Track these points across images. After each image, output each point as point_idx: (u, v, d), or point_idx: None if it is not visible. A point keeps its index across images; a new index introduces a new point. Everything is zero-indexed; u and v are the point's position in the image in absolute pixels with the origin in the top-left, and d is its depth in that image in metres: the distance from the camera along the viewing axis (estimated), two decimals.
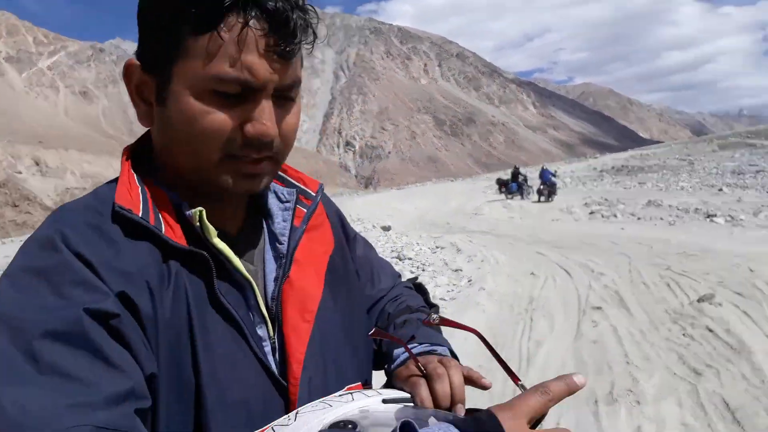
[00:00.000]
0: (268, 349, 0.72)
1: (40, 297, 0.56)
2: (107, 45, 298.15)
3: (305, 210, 0.82)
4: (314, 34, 0.71)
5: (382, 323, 0.90)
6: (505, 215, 14.60)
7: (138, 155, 0.76)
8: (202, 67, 0.63)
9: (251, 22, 0.62)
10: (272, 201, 0.82)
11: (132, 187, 0.69)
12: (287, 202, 0.82)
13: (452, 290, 6.45)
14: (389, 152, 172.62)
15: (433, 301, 1.01)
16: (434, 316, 0.76)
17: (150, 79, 0.68)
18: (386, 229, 13.69)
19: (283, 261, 0.77)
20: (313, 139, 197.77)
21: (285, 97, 0.69)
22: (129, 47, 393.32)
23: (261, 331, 0.72)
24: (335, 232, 0.88)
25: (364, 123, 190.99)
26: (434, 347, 0.81)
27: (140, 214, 0.65)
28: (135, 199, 0.67)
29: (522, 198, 19.17)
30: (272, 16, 0.63)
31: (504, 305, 5.47)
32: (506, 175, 22.77)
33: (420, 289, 1.04)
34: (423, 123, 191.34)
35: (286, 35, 0.65)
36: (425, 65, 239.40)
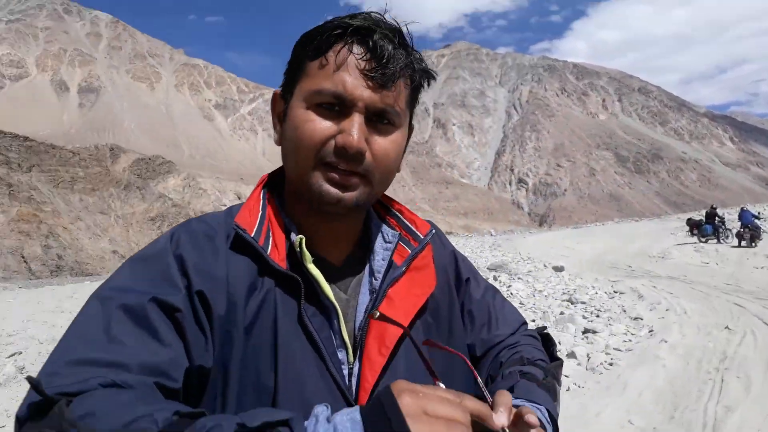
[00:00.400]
0: (345, 372, 0.77)
1: (135, 279, 0.71)
2: None
3: (409, 251, 0.87)
4: (423, 73, 0.83)
5: (494, 371, 0.89)
6: (698, 260, 13.07)
7: (274, 181, 0.88)
8: (310, 84, 0.76)
9: (353, 48, 0.75)
10: (378, 240, 0.88)
11: (254, 209, 0.82)
12: (389, 242, 0.88)
13: (629, 340, 5.89)
14: (565, 189, 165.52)
15: (569, 352, 1.01)
16: (377, 312, 0.74)
17: (283, 102, 0.83)
18: (558, 269, 13.06)
19: (375, 296, 0.82)
20: (485, 176, 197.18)
21: (382, 120, 0.78)
22: None
23: (341, 355, 0.78)
24: (441, 274, 0.91)
25: (538, 160, 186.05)
26: (530, 404, 0.77)
27: (252, 234, 0.77)
28: (252, 220, 0.79)
29: (718, 242, 17.05)
30: (370, 46, 0.75)
31: (690, 361, 4.83)
32: (699, 215, 20.50)
33: (546, 339, 0.96)
34: (603, 159, 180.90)
35: (381, 63, 0.75)
36: (603, 100, 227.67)
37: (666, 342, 5.38)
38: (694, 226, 18.31)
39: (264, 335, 0.73)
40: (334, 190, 0.77)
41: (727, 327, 5.73)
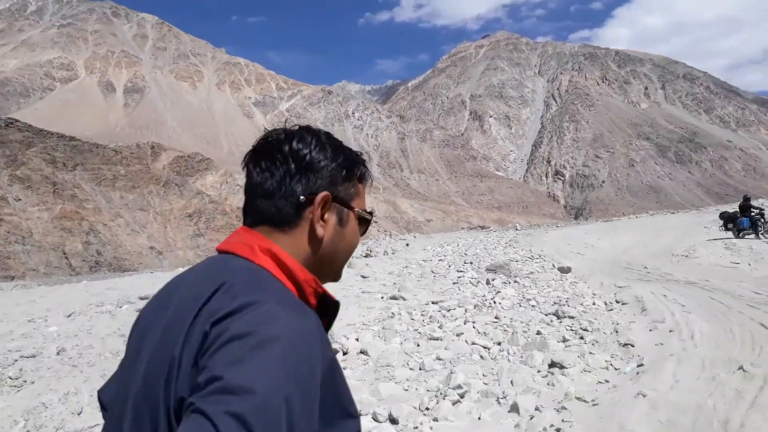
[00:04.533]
0: None
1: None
2: (335, 87, 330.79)
3: None
4: None
5: None
6: (727, 260, 11.10)
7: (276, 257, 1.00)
8: (361, 203, 1.09)
9: (368, 181, 1.14)
10: None
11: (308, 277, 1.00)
12: None
13: (604, 381, 4.35)
14: (603, 181, 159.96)
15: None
16: None
17: (334, 206, 1.05)
18: (564, 270, 11.43)
19: None
20: (520, 168, 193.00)
21: None
22: (353, 88, 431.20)
23: None
24: None
25: (576, 151, 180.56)
26: None
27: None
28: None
29: (757, 237, 14.87)
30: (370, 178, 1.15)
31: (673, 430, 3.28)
32: (733, 208, 18.10)
33: None
34: (643, 149, 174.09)
35: None
36: (646, 88, 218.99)
37: (644, 397, 3.76)
38: (727, 220, 16.05)
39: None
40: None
41: (741, 368, 4.06)
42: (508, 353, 5.41)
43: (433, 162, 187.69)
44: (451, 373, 4.54)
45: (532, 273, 11.44)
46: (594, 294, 8.39)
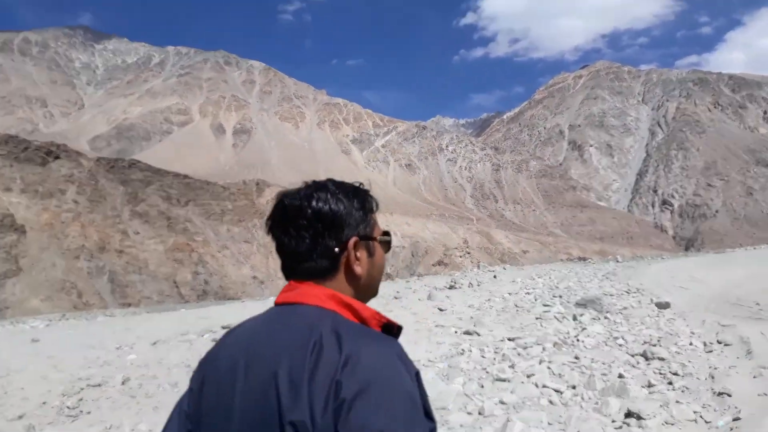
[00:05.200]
0: None
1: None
2: (429, 123, 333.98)
3: None
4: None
5: None
6: None
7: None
8: (378, 231, 1.24)
9: (378, 208, 1.26)
10: None
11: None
12: None
13: None
14: (716, 211, 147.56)
15: None
16: None
17: (361, 244, 1.18)
18: (662, 306, 10.41)
19: None
20: (624, 198, 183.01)
21: None
22: (447, 123, 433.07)
23: None
24: None
25: (685, 180, 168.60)
26: None
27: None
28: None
29: None
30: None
31: None
32: None
33: None
34: (763, 177, 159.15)
35: None
36: (765, 112, 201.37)
37: None
38: None
39: None
40: None
41: None
42: (582, 399, 4.85)
43: (530, 192, 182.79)
44: (508, 421, 4.07)
45: (625, 308, 10.53)
46: (692, 333, 7.49)
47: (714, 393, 4.63)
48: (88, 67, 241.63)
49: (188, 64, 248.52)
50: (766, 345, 6.21)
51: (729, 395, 4.49)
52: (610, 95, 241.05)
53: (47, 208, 50.59)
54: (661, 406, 4.28)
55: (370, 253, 1.21)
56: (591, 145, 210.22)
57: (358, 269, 1.16)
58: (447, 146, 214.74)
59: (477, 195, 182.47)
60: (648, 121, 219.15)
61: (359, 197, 1.20)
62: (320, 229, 1.13)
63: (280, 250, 1.17)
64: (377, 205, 1.26)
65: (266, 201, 79.45)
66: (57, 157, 57.73)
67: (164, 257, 56.60)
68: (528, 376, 5.58)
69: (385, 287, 22.26)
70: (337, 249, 1.13)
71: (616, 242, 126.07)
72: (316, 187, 1.18)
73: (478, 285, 17.70)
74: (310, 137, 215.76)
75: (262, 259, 66.31)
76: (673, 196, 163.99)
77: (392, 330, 1.14)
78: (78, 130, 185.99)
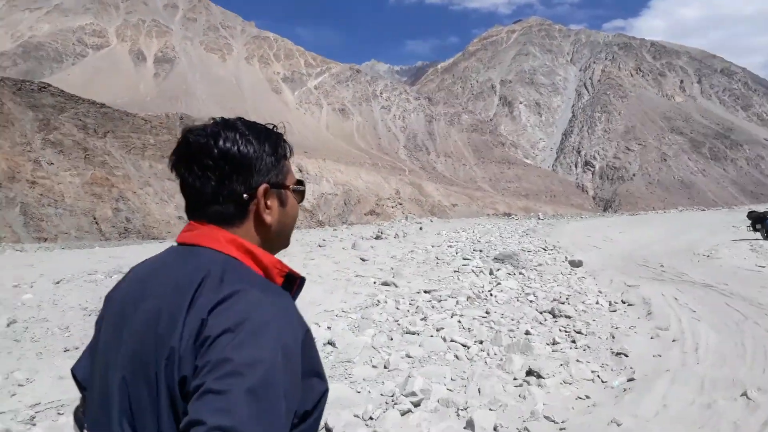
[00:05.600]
0: None
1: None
2: (363, 66, 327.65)
3: None
4: None
5: None
6: (752, 262, 10.26)
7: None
8: (291, 179, 1.17)
9: (292, 153, 1.19)
10: None
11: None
12: None
13: (582, 397, 3.78)
14: (634, 174, 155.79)
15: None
16: None
17: (273, 192, 1.11)
18: (575, 264, 10.80)
19: None
20: (550, 157, 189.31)
21: None
22: (381, 68, 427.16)
23: None
24: None
25: (607, 142, 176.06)
26: None
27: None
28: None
29: None
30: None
31: None
32: (765, 207, 17.04)
33: None
34: (676, 144, 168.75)
35: None
36: (681, 81, 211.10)
37: (618, 426, 3.16)
38: (756, 220, 15.08)
39: None
40: None
41: (745, 394, 3.43)
42: (488, 354, 4.88)
43: (461, 146, 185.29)
44: (409, 377, 4.01)
45: (540, 265, 10.84)
46: (600, 292, 7.78)
47: (613, 353, 4.79)
48: None
49: None
50: (665, 306, 6.52)
51: (626, 355, 4.65)
52: (541, 52, 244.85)
53: None
54: (561, 364, 4.36)
55: (282, 203, 1.14)
56: (521, 103, 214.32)
57: (268, 218, 1.10)
58: (381, 93, 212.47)
59: (410, 146, 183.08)
60: (575, 81, 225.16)
61: (271, 141, 1.12)
62: (227, 172, 1.05)
63: (184, 189, 1.10)
64: (291, 151, 1.19)
65: None
66: None
67: (82, 191, 53.55)
68: (438, 330, 5.58)
69: (311, 235, 22.04)
70: (246, 195, 1.07)
71: (540, 200, 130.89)
72: (225, 126, 1.10)
73: (404, 236, 17.82)
74: (238, 72, 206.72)
75: None
76: (594, 158, 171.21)
77: (294, 281, 1.11)
78: None
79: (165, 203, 59.93)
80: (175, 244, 1.14)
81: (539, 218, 31.26)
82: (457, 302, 7.06)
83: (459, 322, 6.00)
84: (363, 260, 11.33)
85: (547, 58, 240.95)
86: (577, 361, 4.51)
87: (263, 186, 1.08)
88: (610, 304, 6.95)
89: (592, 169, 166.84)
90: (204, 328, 0.91)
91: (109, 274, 10.06)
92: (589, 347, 4.97)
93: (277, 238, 1.15)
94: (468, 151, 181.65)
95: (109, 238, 45.68)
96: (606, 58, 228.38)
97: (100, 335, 1.11)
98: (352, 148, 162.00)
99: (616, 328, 5.66)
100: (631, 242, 15.51)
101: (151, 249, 16.23)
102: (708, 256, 11.25)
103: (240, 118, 1.15)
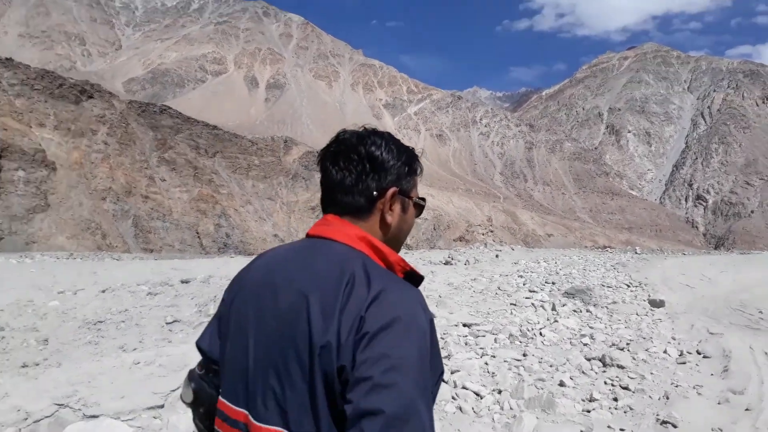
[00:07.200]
0: None
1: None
2: (465, 93, 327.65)
3: None
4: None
5: None
6: None
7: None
8: (416, 193, 1.33)
9: (421, 173, 1.35)
10: None
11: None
12: None
13: None
14: (752, 211, 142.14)
15: None
16: None
17: (399, 198, 1.27)
18: (655, 304, 9.45)
19: None
20: (657, 189, 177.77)
21: None
22: (483, 94, 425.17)
23: None
24: None
25: (723, 176, 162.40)
26: None
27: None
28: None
29: None
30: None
31: None
32: None
33: None
34: None
35: None
36: None
37: None
38: None
39: None
40: None
41: None
42: (501, 408, 4.02)
43: (561, 174, 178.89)
44: None
45: (614, 303, 9.58)
46: (673, 339, 6.55)
47: (658, 420, 3.75)
48: (128, 7, 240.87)
49: (227, 13, 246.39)
50: (749, 363, 5.26)
51: (675, 426, 3.60)
52: (654, 80, 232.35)
53: (78, 146, 50.79)
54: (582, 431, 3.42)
55: (404, 209, 1.29)
56: (629, 131, 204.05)
57: (390, 219, 1.24)
58: (481, 119, 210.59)
59: (507, 173, 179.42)
60: (691, 110, 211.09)
61: (409, 155, 1.30)
62: (367, 169, 1.21)
63: (325, 181, 1.26)
64: (422, 170, 1.35)
65: (293, 160, 79.15)
66: (90, 97, 57.76)
67: (188, 206, 57.00)
68: (452, 372, 4.75)
69: None
70: (376, 192, 1.22)
71: (644, 234, 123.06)
72: (374, 132, 1.29)
73: (475, 263, 16.84)
74: (343, 98, 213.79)
75: (284, 217, 66.53)
76: (708, 192, 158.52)
77: (414, 278, 1.22)
78: (114, 70, 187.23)
79: (263, 221, 62.27)
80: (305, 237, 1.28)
81: (636, 252, 28.87)
82: (496, 340, 6.18)
83: (486, 363, 5.14)
84: None
85: (662, 86, 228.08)
86: (608, 427, 3.55)
87: (392, 189, 1.24)
88: (681, 354, 5.75)
89: (705, 204, 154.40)
90: (363, 324, 1.03)
91: (154, 285, 10.05)
92: (631, 409, 3.96)
93: (393, 241, 1.28)
94: (568, 180, 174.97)
95: (208, 252, 47.90)
96: (728, 86, 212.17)
97: (231, 316, 1.23)
98: (446, 174, 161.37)
99: (677, 387, 4.56)
100: (732, 283, 13.57)
101: (217, 264, 16.41)
102: None
103: (388, 132, 1.33)
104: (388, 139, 1.27)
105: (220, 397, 1.23)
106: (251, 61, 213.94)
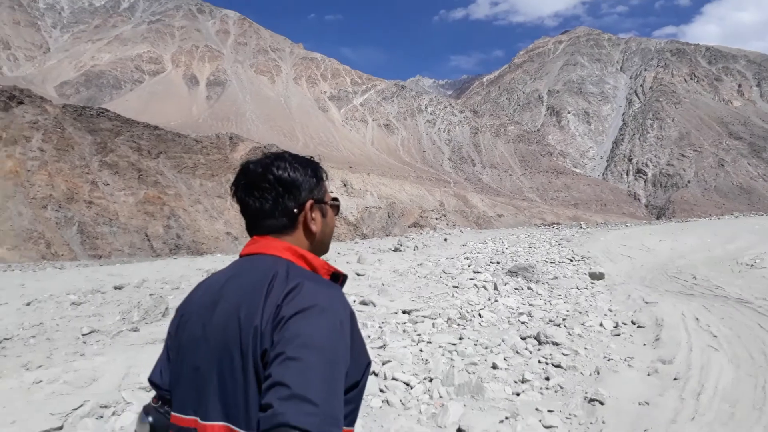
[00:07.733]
0: None
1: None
2: (408, 82, 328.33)
3: None
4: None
5: None
6: None
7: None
8: (328, 196, 1.45)
9: (327, 177, 1.47)
10: None
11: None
12: None
13: None
14: (689, 181, 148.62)
15: None
16: None
17: (316, 207, 1.39)
18: (595, 277, 9.55)
19: None
20: (600, 166, 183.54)
21: None
22: (426, 83, 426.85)
23: None
24: None
25: (660, 149, 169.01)
26: None
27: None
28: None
29: None
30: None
31: None
32: None
33: None
34: (734, 149, 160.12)
35: None
36: (739, 86, 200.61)
37: None
38: None
39: None
40: None
41: None
42: (430, 398, 3.83)
43: (507, 157, 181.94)
44: None
45: (556, 278, 9.61)
46: (609, 311, 6.56)
47: (586, 398, 3.64)
48: (53, 8, 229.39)
49: (159, 11, 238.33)
50: (680, 330, 5.28)
51: (602, 403, 3.50)
52: (589, 62, 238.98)
53: (11, 155, 48.35)
54: (507, 417, 3.28)
55: (323, 214, 1.42)
56: (569, 112, 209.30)
57: (314, 227, 1.37)
58: (426, 107, 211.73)
59: (455, 158, 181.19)
60: (625, 89, 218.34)
61: (312, 167, 1.42)
62: (281, 192, 1.33)
63: (245, 211, 1.38)
64: (326, 175, 1.47)
65: (240, 156, 77.50)
66: (21, 102, 54.98)
67: (135, 209, 55.13)
68: (384, 364, 4.54)
69: (332, 247, 21.18)
70: (295, 210, 1.34)
71: (590, 209, 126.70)
72: (275, 157, 1.39)
73: (423, 248, 16.75)
74: (287, 92, 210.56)
75: (236, 214, 65.02)
76: (647, 165, 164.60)
77: (338, 279, 1.36)
78: (43, 75, 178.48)
79: (214, 219, 60.80)
80: (238, 257, 1.39)
81: (581, 227, 29.52)
82: (434, 325, 6.02)
83: (421, 351, 4.96)
84: (358, 275, 10.38)
85: (596, 67, 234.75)
86: (536, 410, 3.42)
87: (309, 201, 1.36)
88: (616, 326, 5.74)
89: (645, 177, 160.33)
90: (279, 311, 1.15)
91: (84, 293, 9.49)
92: (561, 388, 3.85)
93: (320, 245, 1.43)
94: (514, 162, 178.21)
95: (159, 254, 46.46)
96: (658, 65, 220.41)
97: (181, 334, 1.33)
98: (396, 162, 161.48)
99: (609, 360, 4.49)
100: (670, 251, 13.95)
101: (157, 266, 15.75)
102: (752, 266, 9.66)
103: (287, 152, 1.44)
104: (289, 159, 1.38)
105: (171, 413, 1.31)
106: (189, 60, 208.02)
